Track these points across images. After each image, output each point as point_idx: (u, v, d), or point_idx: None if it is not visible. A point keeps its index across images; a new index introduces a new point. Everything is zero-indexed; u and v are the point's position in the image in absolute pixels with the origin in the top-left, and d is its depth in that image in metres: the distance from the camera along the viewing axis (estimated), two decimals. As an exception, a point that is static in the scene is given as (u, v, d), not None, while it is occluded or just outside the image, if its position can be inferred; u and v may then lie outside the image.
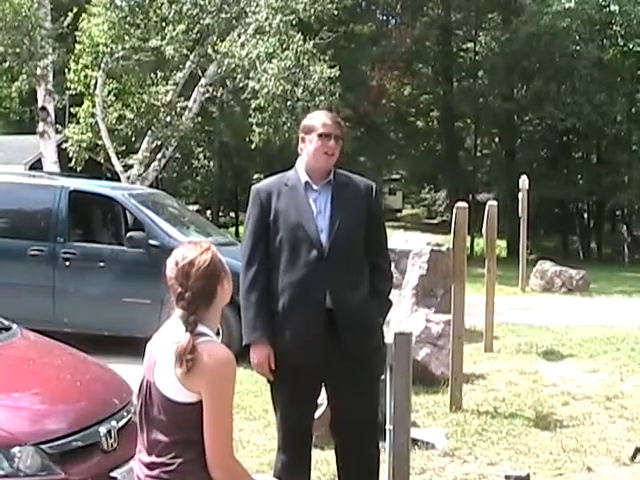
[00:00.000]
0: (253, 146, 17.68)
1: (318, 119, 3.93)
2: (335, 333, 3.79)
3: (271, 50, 15.93)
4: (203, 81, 17.91)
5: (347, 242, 3.86)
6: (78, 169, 17.26)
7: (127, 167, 18.04)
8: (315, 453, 4.64)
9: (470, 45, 33.99)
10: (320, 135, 3.87)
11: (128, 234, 8.95)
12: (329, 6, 17.08)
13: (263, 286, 3.86)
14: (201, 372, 2.68)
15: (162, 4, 16.91)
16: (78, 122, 17.94)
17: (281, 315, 3.85)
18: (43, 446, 3.54)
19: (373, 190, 4.01)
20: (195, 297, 2.75)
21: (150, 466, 2.77)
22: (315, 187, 3.91)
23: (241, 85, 16.94)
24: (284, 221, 3.85)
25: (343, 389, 3.86)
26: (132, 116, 17.58)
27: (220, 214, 36.52)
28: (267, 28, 16.30)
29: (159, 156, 18.16)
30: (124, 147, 18.85)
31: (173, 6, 16.78)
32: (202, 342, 2.72)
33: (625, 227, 33.76)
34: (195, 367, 2.67)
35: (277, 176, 4.05)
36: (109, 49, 16.84)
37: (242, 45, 16.21)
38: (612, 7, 27.31)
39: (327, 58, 17.02)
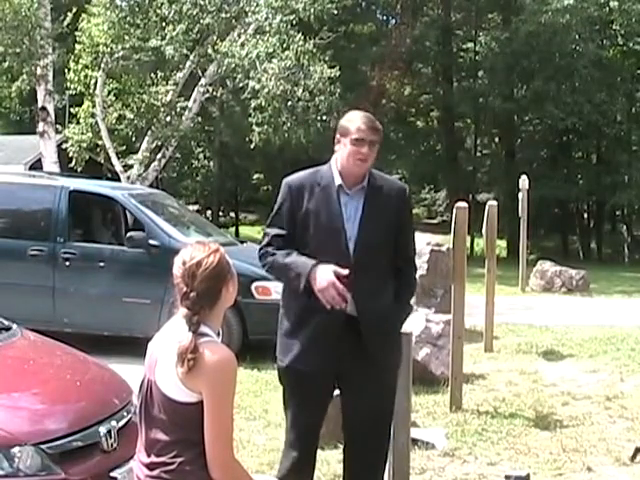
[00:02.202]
0: (253, 146, 17.67)
1: (354, 122, 3.81)
2: (355, 339, 3.76)
3: (271, 50, 15.93)
4: (203, 81, 17.91)
5: (375, 250, 3.80)
6: (78, 169, 17.26)
7: (127, 167, 18.04)
8: (315, 453, 4.64)
9: (470, 45, 33.96)
10: (353, 140, 3.78)
11: (128, 234, 8.94)
12: (329, 6, 17.07)
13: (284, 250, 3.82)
14: (202, 372, 2.68)
15: (162, 4, 16.90)
16: (78, 122, 17.94)
17: (302, 318, 3.80)
18: (43, 446, 3.54)
19: (405, 194, 3.93)
20: (200, 298, 2.76)
21: (150, 466, 2.78)
22: (348, 192, 3.83)
23: (241, 85, 16.94)
24: (314, 223, 3.79)
25: (359, 393, 3.83)
26: (132, 116, 17.58)
27: (220, 214, 36.50)
28: (267, 28, 16.31)
29: (159, 156, 18.16)
30: (124, 147, 18.85)
31: (173, 6, 16.78)
32: (204, 342, 2.72)
33: (625, 227, 33.75)
34: (196, 367, 2.67)
35: (310, 171, 3.94)
36: (109, 49, 16.84)
37: (242, 45, 16.21)
38: (612, 4, 27.34)
39: (327, 58, 17.02)
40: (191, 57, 17.48)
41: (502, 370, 7.98)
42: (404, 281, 3.92)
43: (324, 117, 16.58)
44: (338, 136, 3.87)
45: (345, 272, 3.63)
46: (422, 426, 6.05)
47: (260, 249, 3.93)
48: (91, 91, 17.37)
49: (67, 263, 8.90)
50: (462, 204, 6.79)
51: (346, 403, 3.97)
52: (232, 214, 38.59)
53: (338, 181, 3.83)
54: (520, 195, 15.33)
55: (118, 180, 16.70)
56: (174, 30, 16.37)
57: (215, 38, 16.99)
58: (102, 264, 8.89)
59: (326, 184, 3.84)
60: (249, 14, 16.72)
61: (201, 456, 2.71)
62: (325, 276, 3.64)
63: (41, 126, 17.70)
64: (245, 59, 15.98)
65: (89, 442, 3.74)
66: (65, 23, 17.90)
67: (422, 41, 33.64)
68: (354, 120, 3.83)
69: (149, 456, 2.79)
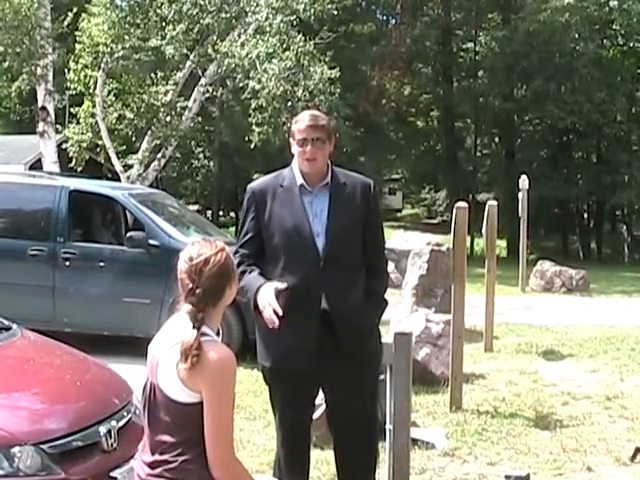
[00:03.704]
0: (253, 146, 17.67)
1: (298, 123, 3.89)
2: (331, 335, 3.79)
3: (271, 50, 15.93)
4: (203, 81, 17.91)
5: (344, 245, 3.84)
6: (78, 169, 17.26)
7: (127, 167, 18.04)
8: (315, 453, 4.64)
9: (470, 45, 34.01)
10: (298, 141, 3.85)
11: (128, 234, 8.94)
12: (329, 6, 17.08)
13: (251, 265, 3.85)
14: (203, 371, 2.68)
15: (162, 4, 16.89)
16: (78, 122, 17.94)
17: (278, 318, 3.82)
18: (43, 446, 3.54)
19: (371, 188, 3.98)
20: (205, 295, 2.77)
21: (152, 465, 2.78)
22: (310, 189, 3.88)
23: (241, 85, 16.94)
24: (279, 224, 3.83)
25: (339, 389, 3.86)
26: (132, 116, 17.58)
27: (220, 214, 36.55)
28: (267, 28, 16.29)
29: (159, 156, 18.16)
30: (124, 147, 18.86)
31: (173, 6, 16.77)
32: (206, 341, 2.73)
33: (625, 227, 33.80)
34: (198, 365, 2.68)
35: (273, 175, 4.02)
36: (109, 49, 16.84)
37: (242, 45, 16.20)
38: (612, 3, 27.38)
39: (327, 59, 17.01)
40: (191, 57, 17.48)
41: (502, 370, 7.97)
42: (376, 276, 3.97)
43: (324, 117, 16.57)
44: (290, 139, 3.96)
45: (283, 285, 3.66)
46: (422, 426, 6.05)
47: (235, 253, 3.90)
48: (91, 91, 17.36)
49: (67, 263, 8.90)
50: (462, 204, 6.79)
51: (329, 401, 4.00)
52: (232, 214, 38.63)
53: (300, 181, 3.89)
54: (520, 195, 15.33)
55: (118, 180, 16.70)
56: (174, 30, 16.37)
57: (215, 38, 16.98)
58: (102, 264, 8.89)
59: (288, 185, 3.90)
60: (249, 14, 16.70)
61: (203, 455, 2.71)
62: (264, 297, 3.67)
63: (41, 126, 17.69)
64: (245, 59, 15.97)
65: (89, 442, 3.74)
66: (65, 23, 17.90)
67: (422, 41, 33.70)
68: (298, 121, 3.91)
69: (153, 455, 2.79)
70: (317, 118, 3.90)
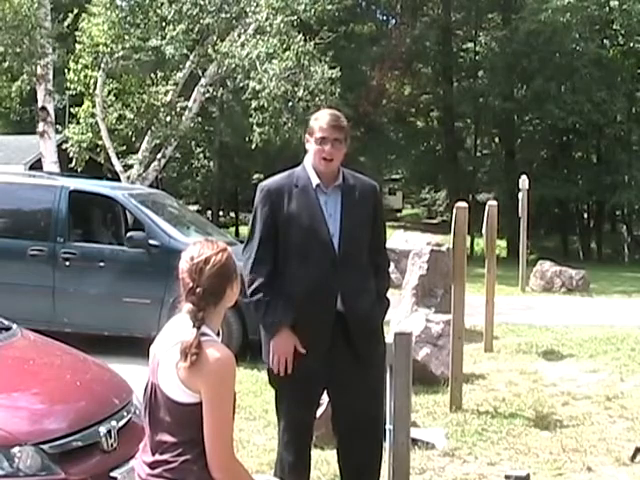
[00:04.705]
0: (253, 146, 17.68)
1: (318, 121, 3.86)
2: (344, 336, 3.79)
3: (271, 50, 15.93)
4: (203, 81, 17.92)
5: (357, 246, 3.86)
6: (78, 169, 17.27)
7: (127, 167, 18.05)
8: (315, 453, 4.64)
9: (470, 45, 34.01)
10: (317, 139, 3.83)
11: (128, 234, 8.93)
12: (329, 6, 17.09)
13: (275, 283, 3.83)
14: (202, 371, 2.69)
15: (162, 4, 16.91)
16: (78, 122, 17.95)
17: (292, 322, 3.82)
18: (43, 446, 3.54)
19: (377, 191, 4.03)
20: (205, 294, 2.77)
21: (152, 465, 2.78)
22: (325, 190, 3.88)
23: (241, 85, 16.95)
24: (296, 224, 3.80)
25: (347, 390, 3.86)
26: (132, 116, 17.59)
27: (220, 214, 36.52)
28: (267, 28, 16.31)
29: (159, 156, 18.16)
30: (124, 147, 18.86)
31: (173, 6, 16.78)
32: (205, 341, 2.73)
33: (625, 227, 33.78)
34: (197, 364, 2.68)
35: (285, 174, 3.97)
36: (109, 49, 16.85)
37: (242, 45, 16.21)
38: (612, 3, 27.38)
39: (327, 59, 17.01)
40: (191, 57, 17.49)
41: (502, 370, 7.97)
42: (379, 275, 4.00)
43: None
44: (307, 135, 3.93)
45: (303, 351, 3.75)
46: (422, 426, 6.04)
47: (258, 265, 3.86)
48: (91, 91, 17.37)
49: (67, 263, 8.89)
50: (462, 204, 6.79)
51: (335, 403, 4.00)
52: (232, 214, 38.65)
53: (316, 181, 3.87)
54: (520, 195, 15.33)
55: (118, 180, 16.70)
56: (174, 30, 16.38)
57: (215, 38, 16.99)
58: (102, 264, 8.88)
59: (303, 185, 3.87)
60: (249, 14, 16.72)
61: (203, 456, 2.72)
62: (282, 347, 3.77)
63: (41, 126, 17.69)
64: (245, 59, 15.98)
65: (89, 442, 3.74)
66: (65, 23, 17.91)
67: (422, 41, 33.70)
68: (319, 119, 3.88)
69: (153, 455, 2.79)
70: (339, 119, 3.88)
